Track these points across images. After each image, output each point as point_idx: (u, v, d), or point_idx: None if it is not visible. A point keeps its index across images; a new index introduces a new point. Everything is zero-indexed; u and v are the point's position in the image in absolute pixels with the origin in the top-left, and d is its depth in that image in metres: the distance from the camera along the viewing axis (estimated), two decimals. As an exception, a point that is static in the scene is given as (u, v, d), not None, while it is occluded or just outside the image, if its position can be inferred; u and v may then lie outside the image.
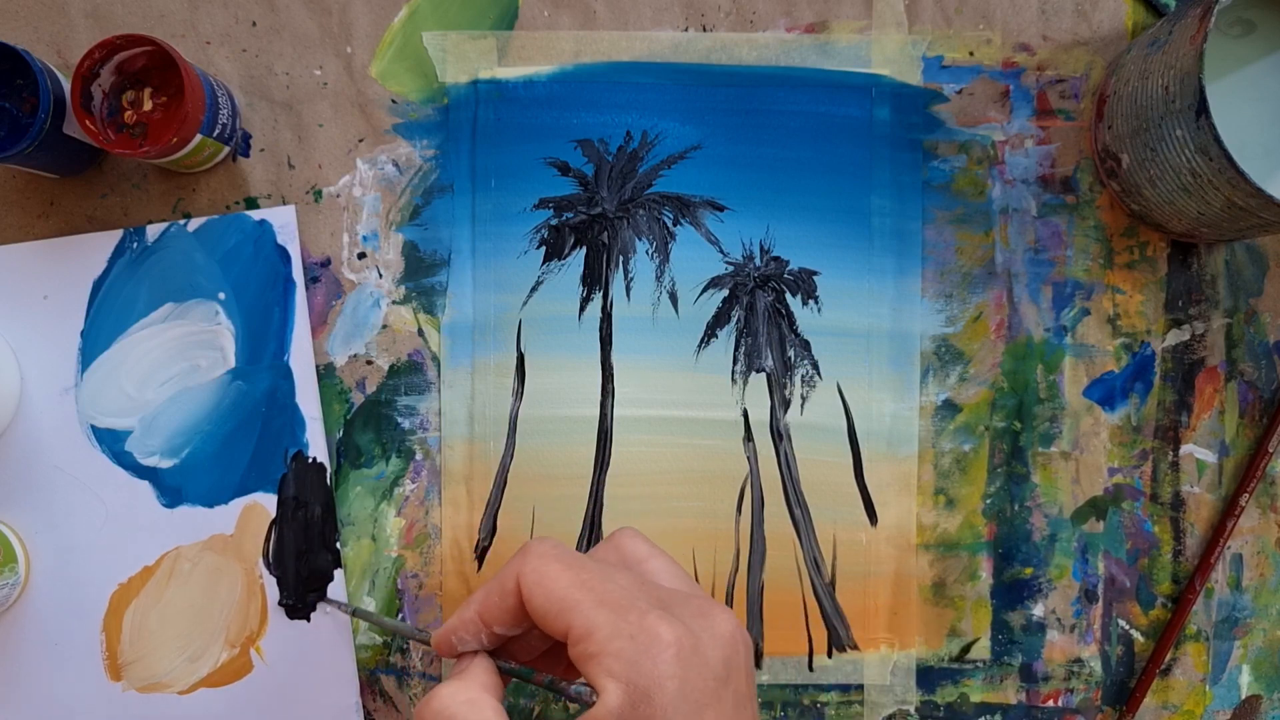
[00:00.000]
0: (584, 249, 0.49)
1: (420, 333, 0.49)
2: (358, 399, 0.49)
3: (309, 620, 0.49)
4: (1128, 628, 0.50)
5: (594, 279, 0.49)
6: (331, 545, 0.49)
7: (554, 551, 0.36)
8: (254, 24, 0.49)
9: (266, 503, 0.49)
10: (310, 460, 0.49)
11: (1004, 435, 0.50)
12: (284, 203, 0.49)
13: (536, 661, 0.38)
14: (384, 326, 0.49)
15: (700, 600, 0.35)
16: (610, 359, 0.49)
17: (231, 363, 0.49)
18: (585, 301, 0.49)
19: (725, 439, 0.49)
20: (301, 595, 0.49)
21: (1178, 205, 0.45)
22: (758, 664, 0.50)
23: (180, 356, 0.49)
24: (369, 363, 0.49)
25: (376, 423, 0.49)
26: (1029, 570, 0.50)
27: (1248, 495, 0.49)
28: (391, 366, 0.49)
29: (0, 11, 0.49)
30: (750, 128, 0.49)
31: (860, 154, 0.49)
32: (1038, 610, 0.50)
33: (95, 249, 0.49)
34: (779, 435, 0.49)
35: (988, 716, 0.50)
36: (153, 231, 0.49)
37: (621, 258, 0.49)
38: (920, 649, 0.50)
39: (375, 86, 0.49)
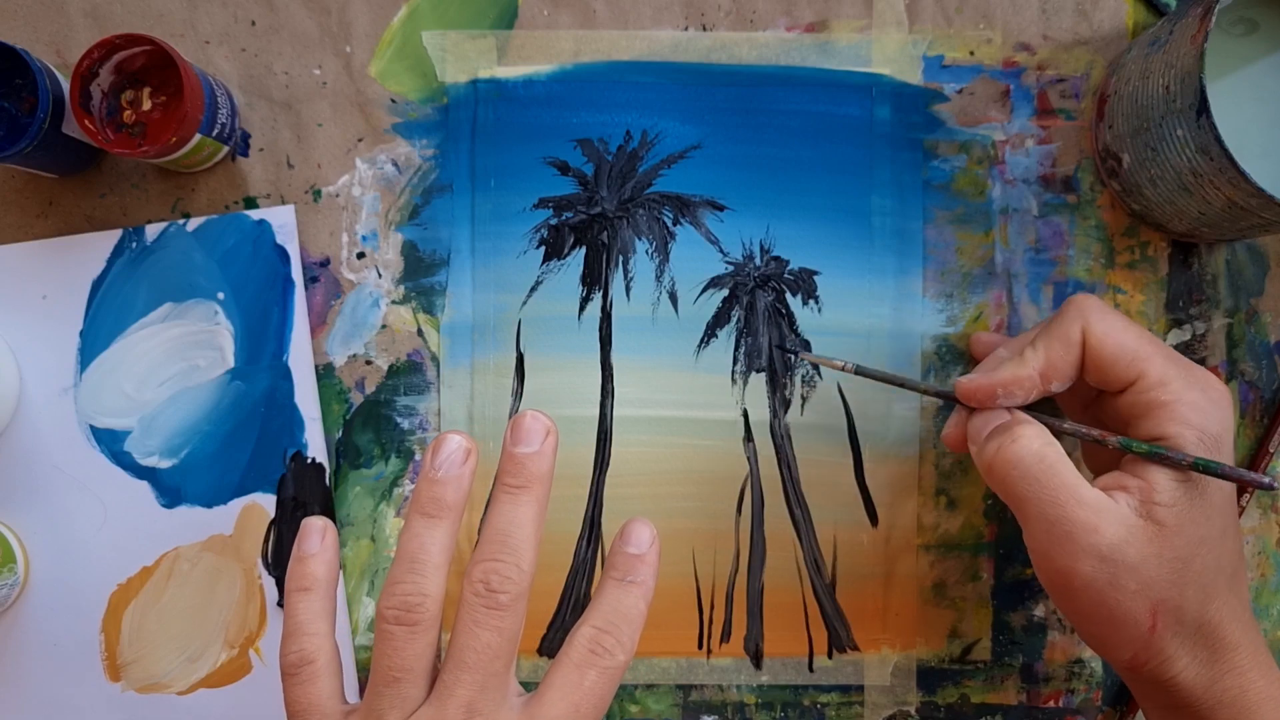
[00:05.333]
0: (584, 249, 0.49)
1: (420, 333, 0.49)
2: (357, 399, 0.49)
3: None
4: (1128, 628, 0.50)
5: (594, 279, 0.49)
6: (331, 545, 0.49)
7: (1104, 303, 0.39)
8: (253, 23, 0.49)
9: (265, 503, 0.49)
10: (309, 460, 0.49)
11: (1004, 435, 0.50)
12: (283, 202, 0.49)
13: None
14: (383, 326, 0.49)
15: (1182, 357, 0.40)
16: (610, 359, 0.49)
17: (230, 363, 0.49)
18: (585, 301, 0.49)
19: (725, 439, 0.49)
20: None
21: (1179, 205, 0.45)
22: (758, 665, 0.49)
23: (179, 356, 0.49)
24: (368, 363, 0.49)
25: (376, 423, 0.49)
26: (1030, 571, 0.50)
27: (1248, 496, 0.49)
28: (391, 366, 0.49)
29: (0, 11, 0.49)
30: (750, 127, 0.49)
31: (860, 153, 0.49)
32: (1039, 611, 0.50)
33: (94, 249, 0.49)
34: (779, 435, 0.49)
35: (988, 717, 0.50)
36: (151, 231, 0.49)
37: (621, 257, 0.49)
38: (921, 650, 0.50)
39: (374, 86, 0.49)
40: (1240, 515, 0.49)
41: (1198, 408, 0.37)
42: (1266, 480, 0.37)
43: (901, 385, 0.44)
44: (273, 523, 0.49)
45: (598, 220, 0.49)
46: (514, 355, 0.49)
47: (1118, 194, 0.49)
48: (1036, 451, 0.38)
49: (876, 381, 0.45)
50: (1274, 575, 0.50)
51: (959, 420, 0.42)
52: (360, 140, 0.49)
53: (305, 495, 0.49)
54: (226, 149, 0.48)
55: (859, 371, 0.45)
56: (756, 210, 0.49)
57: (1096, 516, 0.37)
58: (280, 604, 0.49)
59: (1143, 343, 0.38)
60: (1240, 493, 0.49)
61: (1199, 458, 0.36)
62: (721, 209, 0.49)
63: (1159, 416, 0.38)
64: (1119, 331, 0.38)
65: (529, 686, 0.49)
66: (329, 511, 0.49)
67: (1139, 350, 0.38)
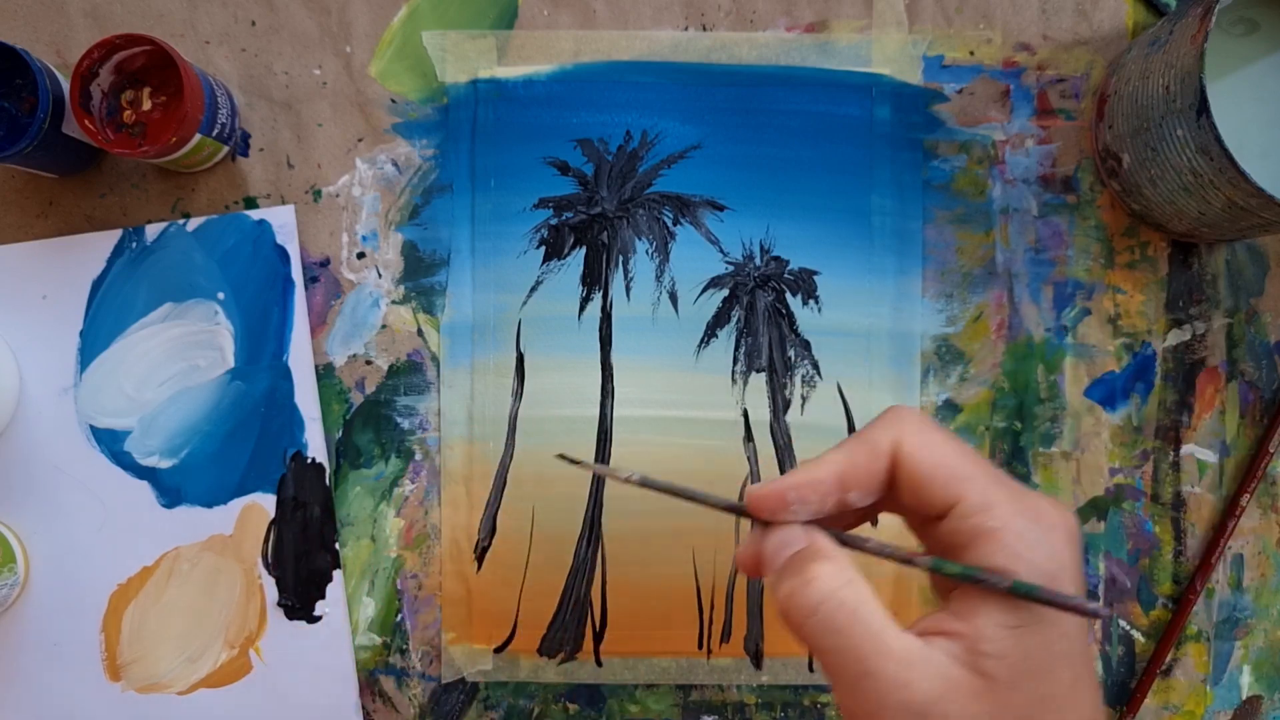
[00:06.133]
0: (584, 249, 0.49)
1: (420, 333, 0.49)
2: (357, 399, 0.49)
3: (308, 620, 0.49)
4: (1128, 628, 0.50)
5: (594, 279, 0.49)
6: (330, 546, 0.49)
7: (927, 419, 0.34)
8: (253, 23, 0.49)
9: (265, 503, 0.49)
10: (309, 460, 0.49)
11: (1005, 435, 0.50)
12: (283, 202, 0.49)
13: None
14: (383, 326, 0.49)
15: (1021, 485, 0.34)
16: (610, 359, 0.49)
17: (230, 363, 0.49)
18: (585, 301, 0.49)
19: (725, 439, 0.49)
20: (301, 596, 0.49)
21: (1178, 205, 0.45)
22: (758, 665, 0.49)
23: (179, 356, 0.49)
24: (368, 363, 0.49)
25: (376, 423, 0.49)
26: (1029, 571, 0.50)
27: (1248, 495, 0.49)
28: (391, 366, 0.49)
29: (0, 11, 0.49)
30: (750, 127, 0.49)
31: (860, 153, 0.49)
32: (1038, 611, 0.50)
33: (94, 249, 0.49)
34: (779, 435, 0.49)
35: (988, 717, 0.50)
36: (152, 231, 0.49)
37: (621, 257, 0.49)
38: (920, 649, 0.50)
39: (374, 86, 0.49)
40: (1240, 514, 0.49)
41: (1026, 538, 0.31)
42: (1093, 607, 0.31)
43: (690, 499, 0.36)
44: (273, 523, 0.49)
45: (598, 220, 0.49)
46: (514, 355, 0.49)
47: (1118, 194, 0.49)
48: (835, 595, 0.32)
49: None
50: (1274, 575, 0.50)
51: (755, 538, 0.35)
52: (360, 140, 0.49)
53: (305, 495, 0.49)
54: (226, 149, 0.48)
55: (643, 483, 0.36)
56: (756, 210, 0.49)
57: (907, 670, 0.31)
58: (280, 604, 0.49)
59: (964, 462, 0.33)
60: (1240, 493, 0.49)
61: (1018, 581, 0.31)
62: (721, 209, 0.49)
63: (983, 546, 0.32)
64: (936, 446, 0.33)
65: (526, 687, 0.49)
66: (329, 511, 0.49)
67: (958, 470, 0.33)
